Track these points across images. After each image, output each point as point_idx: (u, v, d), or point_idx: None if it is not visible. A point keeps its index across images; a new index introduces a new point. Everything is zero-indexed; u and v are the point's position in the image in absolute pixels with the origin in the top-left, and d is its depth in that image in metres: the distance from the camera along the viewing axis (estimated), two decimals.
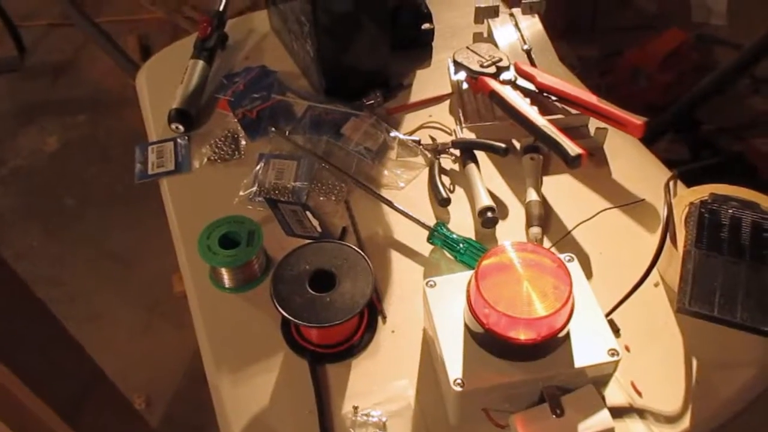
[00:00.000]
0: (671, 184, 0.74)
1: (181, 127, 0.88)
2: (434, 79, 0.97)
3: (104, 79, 2.48)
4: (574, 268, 0.62)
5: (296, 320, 0.60)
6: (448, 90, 0.94)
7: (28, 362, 0.95)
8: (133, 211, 1.92)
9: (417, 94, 0.95)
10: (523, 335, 0.54)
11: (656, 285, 0.70)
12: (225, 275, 0.71)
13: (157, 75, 1.01)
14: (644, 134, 0.77)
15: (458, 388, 0.55)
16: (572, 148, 0.74)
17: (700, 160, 2.00)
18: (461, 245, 0.71)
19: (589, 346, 0.57)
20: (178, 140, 0.88)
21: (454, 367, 0.56)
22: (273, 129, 0.86)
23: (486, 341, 0.56)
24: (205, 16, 0.98)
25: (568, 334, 0.57)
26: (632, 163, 0.83)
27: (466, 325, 0.58)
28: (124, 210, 1.97)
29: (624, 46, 2.18)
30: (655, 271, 0.70)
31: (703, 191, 0.71)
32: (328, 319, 0.61)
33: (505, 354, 0.56)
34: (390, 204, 0.76)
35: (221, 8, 1.01)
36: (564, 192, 0.80)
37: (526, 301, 0.54)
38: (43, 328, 1.03)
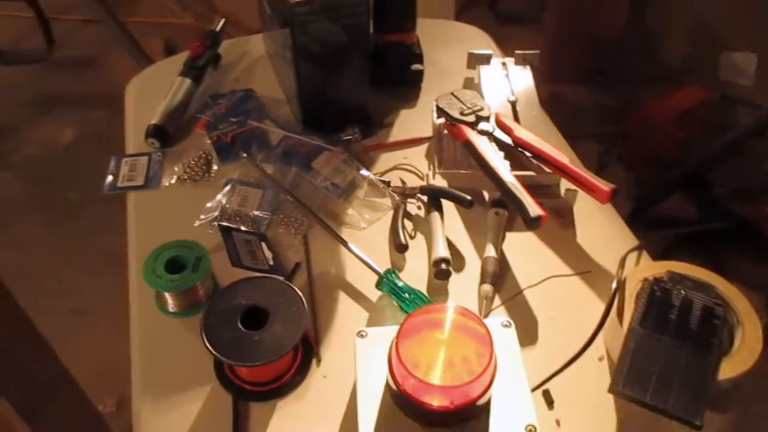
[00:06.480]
0: (630, 255, 0.72)
1: (156, 143, 0.89)
2: (417, 120, 0.96)
3: (126, 79, 2.52)
4: (509, 334, 0.61)
5: (218, 355, 0.60)
6: (430, 133, 0.94)
7: None
8: None
9: (398, 133, 0.95)
10: (436, 401, 0.53)
11: (600, 359, 0.68)
12: (169, 299, 0.71)
13: (147, 88, 1.02)
14: (611, 200, 0.76)
15: None
16: (533, 209, 0.73)
17: (707, 222, 1.96)
18: (407, 295, 0.70)
19: (508, 418, 0.55)
20: (153, 156, 0.89)
21: (366, 424, 0.55)
22: (245, 155, 0.86)
23: (401, 402, 0.55)
24: (199, 36, 0.99)
25: (488, 404, 0.56)
26: (600, 228, 0.81)
27: (387, 382, 0.57)
28: (124, 211, 1.99)
29: (642, 98, 2.16)
30: (602, 344, 0.69)
31: (661, 267, 0.69)
32: (252, 359, 0.60)
33: (419, 417, 0.55)
34: (344, 244, 0.76)
35: (217, 28, 1.03)
36: (525, 251, 0.78)
37: (442, 367, 0.52)
38: (8, 324, 1.04)
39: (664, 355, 0.61)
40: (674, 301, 0.65)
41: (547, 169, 0.83)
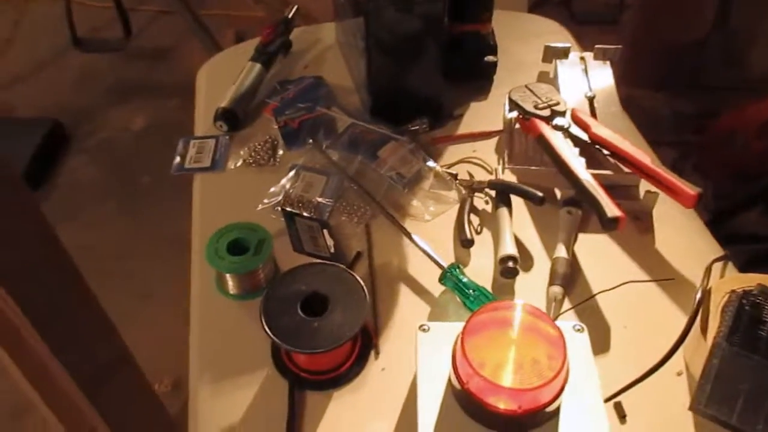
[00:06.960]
0: (714, 266, 0.67)
1: (225, 126, 0.89)
2: (488, 113, 0.93)
3: (198, 70, 2.58)
4: (581, 339, 0.57)
5: (277, 340, 0.58)
6: (501, 127, 0.90)
7: (58, 331, 0.98)
8: None
9: (467, 126, 0.91)
10: (502, 404, 0.49)
11: (679, 374, 0.63)
12: (229, 281, 0.70)
13: (218, 73, 1.03)
14: (696, 205, 0.71)
15: None
16: (611, 209, 0.68)
17: None
18: (472, 291, 0.67)
19: (577, 428, 0.51)
20: (221, 139, 0.89)
21: (426, 422, 0.52)
22: (311, 141, 0.85)
23: (465, 402, 0.52)
24: (271, 23, 0.99)
25: (557, 411, 0.52)
26: (681, 234, 0.76)
27: (449, 380, 0.54)
28: (191, 196, 2.03)
29: (723, 107, 2.05)
30: (681, 358, 0.64)
31: (750, 280, 0.64)
32: (310, 346, 0.58)
33: (483, 420, 0.52)
34: (408, 235, 0.73)
35: (290, 15, 1.02)
36: (598, 254, 0.74)
37: (511, 369, 0.49)
38: (76, 303, 1.07)
39: (753, 374, 0.56)
40: (765, 317, 0.60)
41: (626, 169, 0.79)
